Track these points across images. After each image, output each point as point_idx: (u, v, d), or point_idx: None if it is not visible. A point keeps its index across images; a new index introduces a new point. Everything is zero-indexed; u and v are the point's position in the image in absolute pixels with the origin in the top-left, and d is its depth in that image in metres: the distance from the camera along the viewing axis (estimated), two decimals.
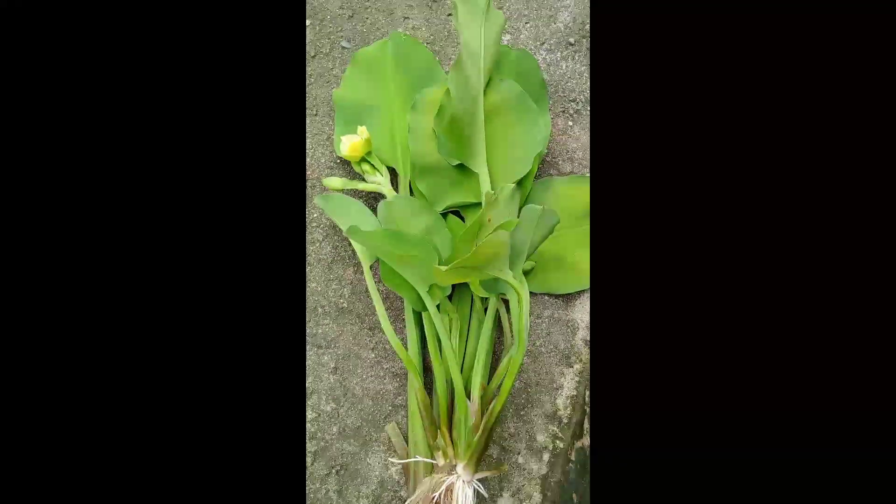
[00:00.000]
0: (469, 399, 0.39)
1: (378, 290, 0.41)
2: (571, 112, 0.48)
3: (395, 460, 0.44)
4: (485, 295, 0.39)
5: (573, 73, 0.48)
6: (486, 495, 0.40)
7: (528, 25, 0.49)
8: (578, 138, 0.48)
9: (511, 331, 0.41)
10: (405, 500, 0.42)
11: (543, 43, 0.49)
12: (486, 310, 0.41)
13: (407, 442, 0.44)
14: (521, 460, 0.46)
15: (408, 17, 0.49)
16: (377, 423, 0.47)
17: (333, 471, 0.45)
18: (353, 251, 0.46)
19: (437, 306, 0.39)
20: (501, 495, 0.46)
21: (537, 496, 0.46)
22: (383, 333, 0.47)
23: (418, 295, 0.39)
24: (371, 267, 0.42)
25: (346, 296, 0.47)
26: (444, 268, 0.31)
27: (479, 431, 0.38)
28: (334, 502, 0.45)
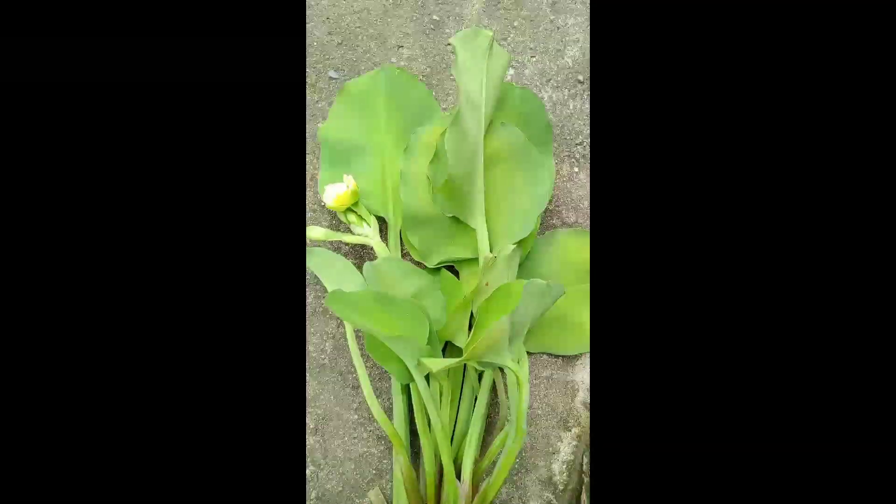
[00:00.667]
0: (459, 480, 0.35)
1: (361, 354, 0.38)
2: (577, 157, 0.45)
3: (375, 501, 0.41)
4: (481, 369, 0.36)
5: (580, 113, 0.45)
6: None
7: (534, 60, 0.45)
8: (584, 185, 0.44)
9: (507, 398, 0.38)
10: None
11: (550, 80, 0.45)
12: (480, 378, 0.38)
13: None
14: None
15: (402, 46, 0.45)
16: (359, 488, 0.43)
17: None
18: None
19: (427, 376, 0.35)
20: None
21: None
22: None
23: (405, 366, 0.35)
24: (354, 328, 0.38)
25: (328, 351, 0.43)
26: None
27: None
28: None
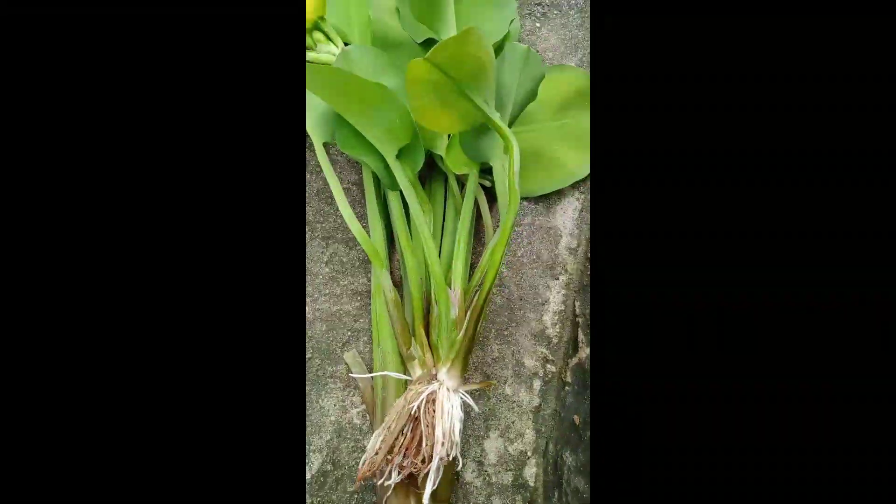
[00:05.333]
0: (451, 288, 0.32)
1: (333, 171, 0.34)
2: (538, 14, 0.45)
3: (352, 363, 0.36)
4: (462, 170, 0.34)
5: None
6: (476, 408, 0.33)
7: None
8: (547, 39, 0.45)
9: (492, 225, 0.36)
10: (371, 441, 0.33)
11: None
12: (463, 195, 0.35)
13: (371, 371, 0.36)
14: (508, 391, 0.39)
15: None
16: (332, 353, 0.38)
17: None
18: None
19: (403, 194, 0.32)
20: (488, 436, 0.38)
21: (530, 434, 0.39)
22: (339, 244, 0.39)
23: (385, 165, 0.32)
24: (325, 146, 0.35)
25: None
26: (420, 59, 0.25)
27: (465, 325, 0.31)
28: None
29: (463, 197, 0.35)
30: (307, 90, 0.30)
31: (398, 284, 0.36)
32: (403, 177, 0.32)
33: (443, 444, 0.28)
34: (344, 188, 0.39)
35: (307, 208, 0.40)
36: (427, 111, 0.28)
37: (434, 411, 0.29)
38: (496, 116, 0.29)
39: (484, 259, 0.33)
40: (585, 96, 0.41)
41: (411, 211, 0.32)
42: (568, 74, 0.41)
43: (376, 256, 0.33)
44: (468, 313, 0.31)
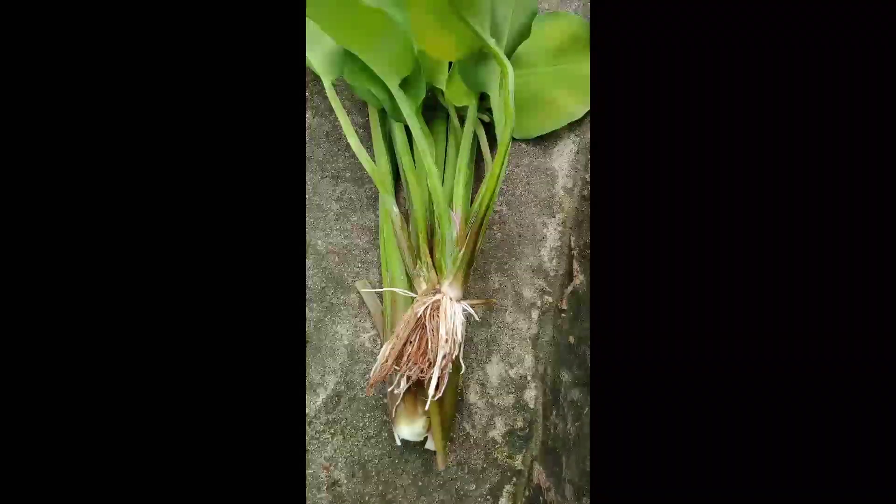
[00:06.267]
0: (453, 209, 0.34)
1: (342, 106, 0.37)
2: None
3: (362, 289, 0.38)
4: (462, 102, 0.36)
5: None
6: (477, 317, 0.35)
7: None
8: None
9: (491, 160, 0.38)
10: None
11: None
12: (462, 125, 0.38)
13: (381, 299, 0.39)
14: (508, 319, 0.42)
15: None
16: (344, 283, 0.41)
17: None
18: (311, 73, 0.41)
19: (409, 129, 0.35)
20: (490, 360, 0.41)
21: (529, 359, 0.41)
22: (348, 183, 0.42)
23: (389, 95, 0.35)
24: (333, 84, 0.38)
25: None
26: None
27: (465, 242, 0.33)
28: None
29: (463, 129, 0.37)
30: (312, 21, 0.33)
31: (405, 215, 0.39)
32: (407, 106, 0.34)
33: (446, 341, 0.30)
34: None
35: (318, 149, 0.42)
36: (427, 34, 0.30)
37: (438, 318, 0.32)
38: (492, 42, 0.32)
39: (484, 183, 0.35)
40: (581, 42, 0.43)
41: (415, 138, 0.34)
42: (563, 21, 0.43)
43: (382, 184, 0.35)
44: (468, 231, 0.33)
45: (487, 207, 0.33)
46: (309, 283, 0.40)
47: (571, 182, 0.44)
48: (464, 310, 0.33)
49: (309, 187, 0.41)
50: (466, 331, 0.38)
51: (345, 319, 0.40)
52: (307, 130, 0.43)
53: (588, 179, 0.42)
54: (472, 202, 0.36)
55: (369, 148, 0.40)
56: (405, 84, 0.34)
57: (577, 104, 0.43)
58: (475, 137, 0.37)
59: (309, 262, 0.41)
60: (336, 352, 0.40)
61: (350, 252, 0.41)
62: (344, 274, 0.41)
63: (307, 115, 0.43)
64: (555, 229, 0.43)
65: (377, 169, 0.36)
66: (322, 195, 0.42)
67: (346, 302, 0.40)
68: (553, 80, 0.43)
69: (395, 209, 0.36)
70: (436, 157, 0.38)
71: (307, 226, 0.41)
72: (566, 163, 0.44)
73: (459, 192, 0.35)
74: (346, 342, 0.40)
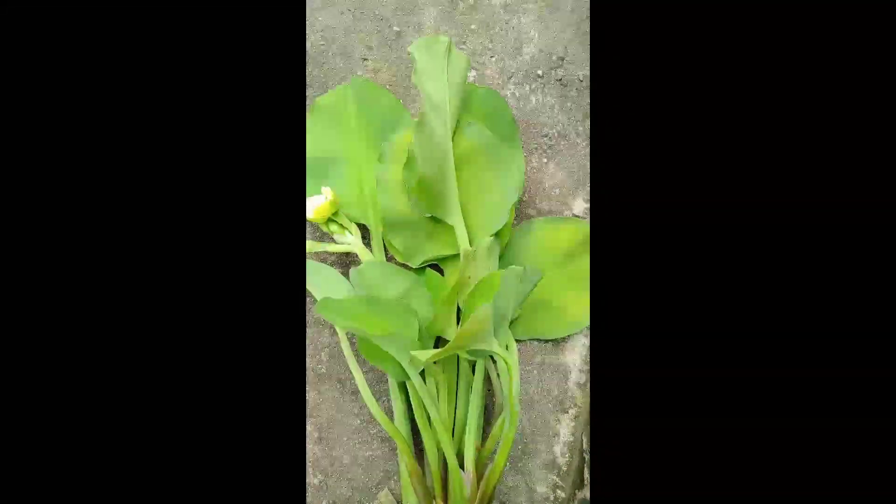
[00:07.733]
0: (463, 469, 0.36)
1: (356, 357, 0.39)
2: (545, 148, 0.46)
3: None
4: (472, 358, 0.37)
5: (543, 106, 0.46)
6: None
7: (494, 60, 0.47)
8: (554, 175, 0.46)
9: (501, 390, 0.39)
10: None
11: (511, 77, 0.47)
12: (473, 369, 0.39)
13: None
14: None
15: (367, 59, 0.47)
16: (369, 491, 0.44)
17: None
18: None
19: (422, 374, 0.37)
20: None
21: None
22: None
23: (400, 365, 0.36)
24: (347, 334, 0.39)
25: (324, 360, 0.44)
26: (422, 354, 0.28)
27: (478, 499, 0.36)
28: None
29: (474, 372, 0.38)
30: (324, 318, 0.34)
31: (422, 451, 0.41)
32: (416, 376, 0.36)
33: None
34: None
35: (336, 367, 0.44)
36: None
37: None
38: (495, 345, 0.32)
39: (494, 431, 0.37)
40: (587, 245, 0.42)
41: (425, 404, 0.36)
42: (571, 225, 0.43)
43: (399, 437, 0.38)
44: (480, 493, 0.36)
45: (500, 473, 0.35)
46: (339, 491, 0.44)
47: (584, 377, 0.45)
48: None
49: (331, 405, 0.44)
50: None
51: None
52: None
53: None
54: (483, 440, 0.38)
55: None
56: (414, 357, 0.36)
57: (587, 310, 0.43)
58: (485, 387, 0.39)
59: (336, 475, 0.44)
60: None
61: (372, 462, 0.44)
62: (367, 483, 0.44)
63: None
64: (567, 425, 0.45)
65: (393, 426, 0.38)
66: (342, 410, 0.44)
67: None
68: (563, 285, 0.42)
69: (411, 458, 0.38)
70: (448, 397, 0.39)
71: (332, 440, 0.44)
72: (578, 358, 0.45)
73: (470, 451, 0.37)
74: None
